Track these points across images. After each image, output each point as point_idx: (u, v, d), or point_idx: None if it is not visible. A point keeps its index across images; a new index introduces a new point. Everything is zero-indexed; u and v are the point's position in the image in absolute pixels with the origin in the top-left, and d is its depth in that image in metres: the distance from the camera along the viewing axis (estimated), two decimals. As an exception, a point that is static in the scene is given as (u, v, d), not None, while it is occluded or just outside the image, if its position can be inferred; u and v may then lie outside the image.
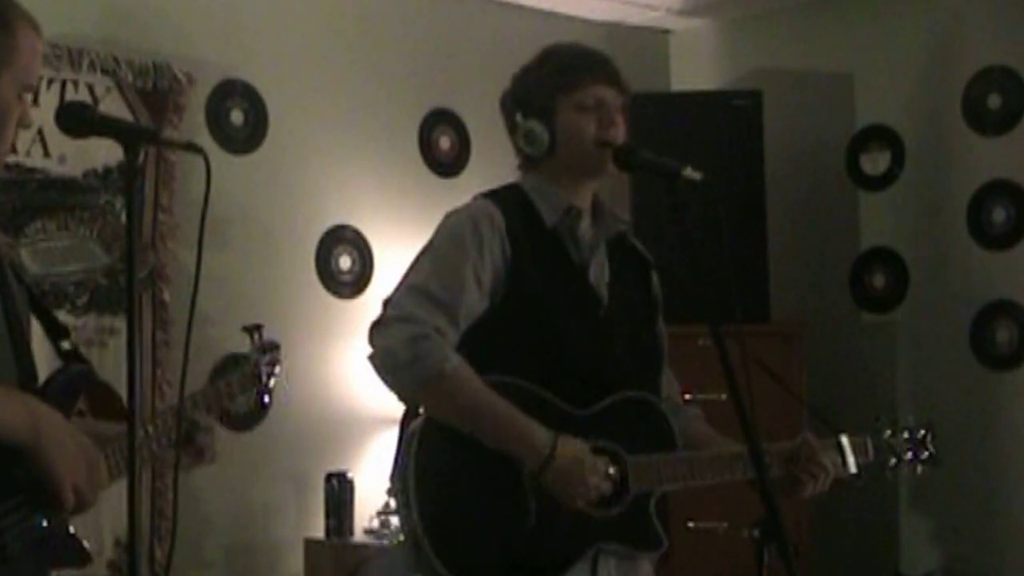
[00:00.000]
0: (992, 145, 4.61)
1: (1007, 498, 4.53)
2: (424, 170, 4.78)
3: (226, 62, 4.32)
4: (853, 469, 2.68)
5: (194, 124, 4.21)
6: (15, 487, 1.95)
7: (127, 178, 1.94)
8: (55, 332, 2.20)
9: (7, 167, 3.76)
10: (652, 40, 5.43)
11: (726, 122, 4.62)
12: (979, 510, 4.58)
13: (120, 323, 3.94)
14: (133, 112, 4.05)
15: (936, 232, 4.75)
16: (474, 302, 2.43)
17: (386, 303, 2.46)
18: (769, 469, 2.36)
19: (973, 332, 4.62)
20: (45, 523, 1.98)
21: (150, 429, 2.15)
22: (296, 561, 4.25)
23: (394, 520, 4.13)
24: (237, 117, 4.35)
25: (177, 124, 4.12)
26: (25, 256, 3.81)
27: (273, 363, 2.51)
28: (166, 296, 4.05)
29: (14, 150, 3.73)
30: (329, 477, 4.22)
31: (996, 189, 4.58)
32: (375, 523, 4.22)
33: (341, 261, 4.55)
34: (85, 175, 3.95)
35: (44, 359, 2.18)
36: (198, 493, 4.05)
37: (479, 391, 2.37)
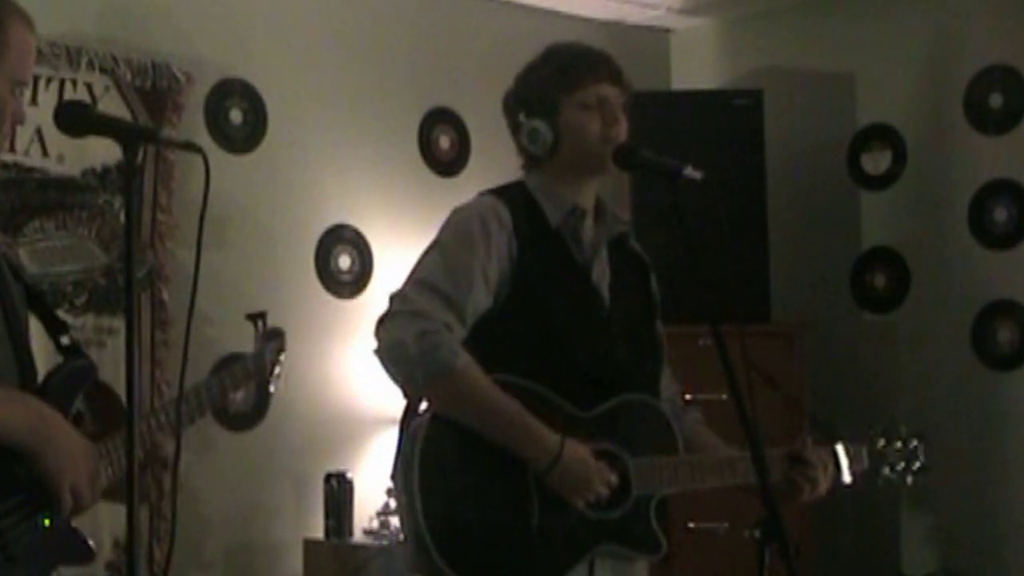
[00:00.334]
0: (993, 144, 4.61)
1: (1008, 498, 4.52)
2: (424, 169, 4.78)
3: (225, 61, 4.32)
4: (848, 479, 2.70)
5: (193, 123, 4.20)
6: (15, 487, 1.95)
7: (126, 177, 1.93)
8: (54, 328, 2.19)
9: (5, 166, 3.77)
10: (653, 39, 5.42)
11: (727, 121, 4.61)
12: (980, 511, 4.57)
13: (119, 323, 3.93)
14: (132, 111, 4.04)
15: (937, 232, 4.74)
16: (481, 300, 2.43)
17: (393, 297, 2.45)
18: (769, 473, 2.35)
19: (974, 332, 4.61)
20: (46, 522, 1.98)
21: (163, 418, 2.15)
22: (295, 562, 4.24)
23: (394, 520, 4.13)
24: (236, 116, 4.34)
25: (176, 123, 4.12)
26: (23, 256, 3.81)
27: (279, 351, 2.51)
28: (165, 296, 4.05)
29: (12, 149, 3.76)
30: (328, 477, 4.21)
31: (997, 188, 4.58)
32: (374, 523, 4.21)
33: (340, 261, 4.54)
34: (83, 174, 3.94)
35: (44, 357, 2.18)
36: (197, 493, 4.04)
37: (488, 389, 2.37)
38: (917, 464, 2.81)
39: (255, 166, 4.36)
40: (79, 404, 2.14)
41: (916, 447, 2.82)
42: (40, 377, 2.11)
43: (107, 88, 4.00)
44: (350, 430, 4.41)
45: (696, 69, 5.35)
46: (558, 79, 2.52)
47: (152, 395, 3.97)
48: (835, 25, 5.01)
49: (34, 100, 3.78)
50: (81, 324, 3.87)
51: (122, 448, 2.04)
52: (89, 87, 3.96)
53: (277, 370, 2.52)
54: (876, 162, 4.91)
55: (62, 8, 3.90)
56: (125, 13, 4.11)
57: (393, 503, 4.17)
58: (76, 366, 2.15)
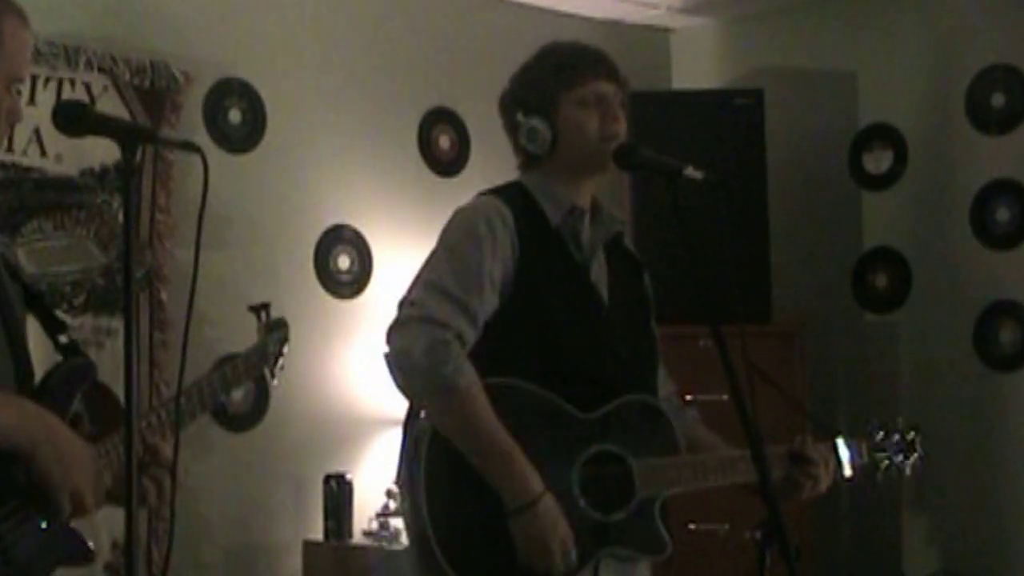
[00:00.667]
0: (996, 144, 4.60)
1: (1010, 499, 4.51)
2: (424, 169, 4.77)
3: (224, 61, 4.31)
4: (848, 472, 2.71)
5: (192, 123, 4.19)
6: (14, 490, 1.94)
7: (124, 177, 1.92)
8: (53, 327, 2.19)
9: (3, 166, 3.76)
10: (653, 38, 5.41)
11: (727, 121, 4.60)
12: (982, 511, 4.56)
13: (117, 323, 3.92)
14: (130, 111, 4.03)
15: (939, 231, 4.73)
16: (489, 301, 2.43)
17: (403, 303, 2.45)
18: (770, 473, 2.35)
19: (976, 332, 4.60)
20: (44, 525, 1.97)
21: (155, 419, 2.14)
22: (294, 563, 4.24)
23: (393, 522, 4.12)
24: (235, 116, 4.33)
25: (174, 123, 4.10)
26: (21, 256, 3.80)
27: (282, 341, 2.51)
28: (164, 296, 4.04)
29: (10, 149, 3.75)
30: (328, 479, 4.20)
31: (999, 188, 4.57)
32: (374, 525, 4.20)
33: (340, 261, 4.53)
34: (82, 174, 3.93)
35: (42, 356, 2.17)
36: (196, 494, 4.03)
37: (484, 417, 2.35)
38: (915, 455, 2.82)
39: (254, 166, 4.35)
40: (77, 405, 2.13)
41: (914, 439, 2.83)
42: (38, 377, 2.10)
43: (105, 88, 3.99)
44: (349, 431, 4.40)
45: (696, 68, 5.35)
46: (556, 77, 2.52)
47: (151, 396, 3.96)
48: (836, 24, 5.00)
49: (32, 100, 3.77)
50: (79, 324, 3.86)
51: (120, 449, 2.03)
52: (87, 87, 3.95)
53: (280, 362, 2.51)
54: (877, 162, 4.90)
55: (60, 7, 3.89)
56: (124, 13, 4.10)
57: (393, 504, 4.17)
58: (75, 365, 2.14)
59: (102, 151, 3.90)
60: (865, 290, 4.93)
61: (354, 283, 4.55)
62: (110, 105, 3.95)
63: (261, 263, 4.32)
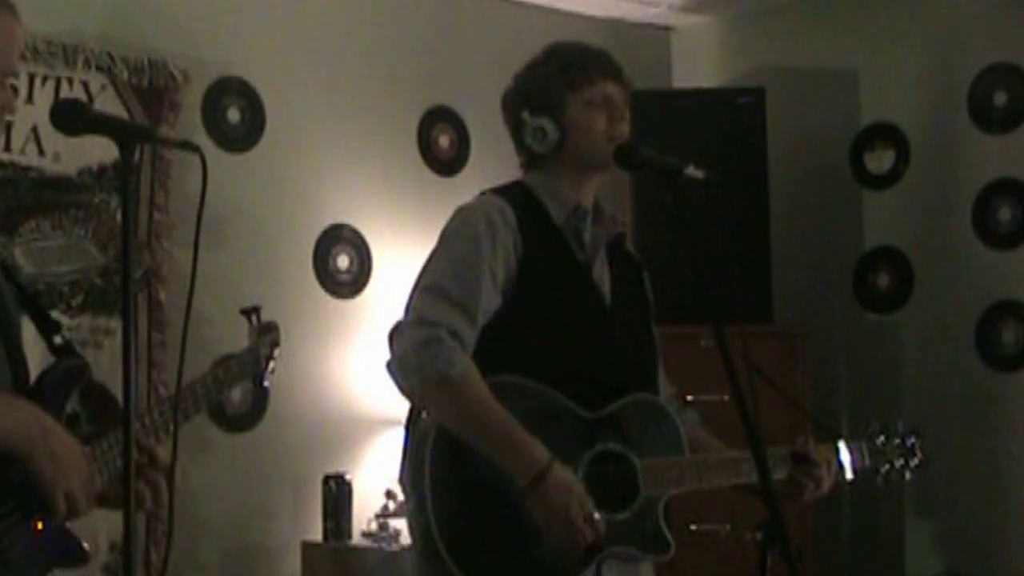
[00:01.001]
0: (998, 143, 4.59)
1: (1013, 500, 4.50)
2: (423, 169, 4.76)
3: (222, 59, 4.30)
4: (850, 475, 2.70)
5: (190, 122, 4.18)
6: (9, 491, 1.94)
7: (122, 177, 1.93)
8: (47, 328, 2.18)
9: (1, 165, 3.76)
10: (654, 37, 5.40)
11: (729, 120, 4.59)
12: (984, 512, 4.55)
13: (115, 324, 3.91)
14: (128, 110, 4.02)
15: (941, 231, 4.72)
16: (490, 300, 2.42)
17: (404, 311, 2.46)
18: (772, 472, 2.35)
19: (978, 332, 4.59)
20: (39, 527, 1.96)
21: (148, 421, 2.14)
22: (293, 564, 4.23)
23: (393, 523, 4.11)
24: (234, 115, 4.32)
25: (173, 122, 4.10)
26: (19, 255, 3.79)
27: (273, 344, 2.51)
28: (162, 296, 4.03)
29: (8, 148, 3.75)
30: (327, 479, 4.18)
31: (1002, 187, 4.56)
32: (373, 526, 4.19)
33: (339, 261, 4.52)
34: (80, 173, 3.92)
35: (38, 357, 2.16)
36: (194, 495, 4.03)
37: (481, 401, 2.35)
38: (915, 460, 2.82)
39: (253, 165, 4.34)
40: (75, 406, 2.13)
41: (914, 443, 2.83)
42: (33, 377, 2.10)
43: (104, 86, 3.98)
44: (349, 431, 4.39)
45: (697, 67, 5.34)
46: (563, 77, 2.52)
47: (149, 396, 3.95)
48: (838, 22, 4.99)
49: (30, 98, 3.77)
50: (77, 324, 3.86)
51: (115, 450, 2.04)
52: (85, 85, 3.94)
53: (272, 364, 2.51)
54: (879, 161, 4.89)
55: (59, 6, 3.90)
56: (122, 11, 4.10)
57: (392, 505, 4.16)
58: (69, 365, 2.14)
59: (100, 150, 3.89)
60: (866, 290, 4.91)
61: (353, 283, 4.54)
62: (108, 104, 3.94)
63: (260, 263, 4.31)
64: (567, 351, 2.45)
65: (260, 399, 4.21)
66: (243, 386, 2.49)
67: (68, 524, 2.01)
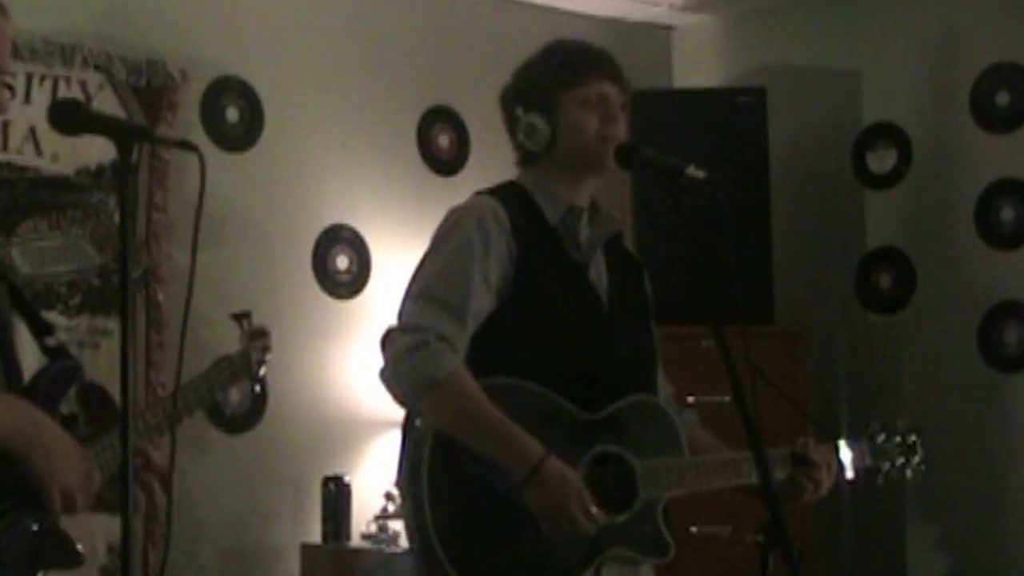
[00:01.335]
0: (1000, 143, 4.57)
1: (1015, 501, 4.49)
2: (423, 168, 4.75)
3: (221, 59, 4.29)
4: (850, 475, 2.70)
5: (188, 121, 4.17)
6: (3, 490, 1.93)
7: (120, 177, 1.98)
8: (39, 329, 2.18)
9: (-2, 165, 3.75)
10: (654, 36, 5.39)
11: (730, 120, 4.58)
12: (987, 514, 4.54)
13: (113, 324, 3.91)
14: (126, 109, 4.01)
15: (943, 231, 4.71)
16: (482, 301, 2.41)
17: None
18: (772, 473, 2.36)
19: (981, 333, 4.57)
20: (35, 527, 1.96)
21: (140, 425, 2.13)
22: (292, 566, 4.22)
23: (392, 524, 4.10)
24: (232, 114, 4.31)
25: (171, 122, 4.09)
26: (16, 256, 3.78)
27: (264, 350, 2.51)
28: (160, 297, 4.02)
29: (5, 147, 3.74)
30: (326, 481, 4.17)
31: (1004, 188, 4.54)
32: (373, 528, 4.18)
33: (338, 261, 4.51)
34: (78, 173, 3.91)
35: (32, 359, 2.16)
36: (192, 497, 4.01)
37: (472, 399, 2.34)
38: (916, 459, 2.82)
39: (251, 165, 4.33)
40: (73, 406, 2.13)
41: (915, 442, 2.82)
42: (27, 379, 2.09)
43: (102, 86, 3.97)
44: (348, 433, 4.38)
45: (698, 67, 5.33)
46: (559, 74, 2.51)
47: (147, 397, 3.95)
48: (839, 22, 4.98)
49: (28, 98, 3.77)
50: (75, 325, 3.86)
51: (111, 451, 2.04)
52: (83, 85, 3.93)
53: (263, 370, 2.51)
54: (881, 161, 4.87)
55: (56, 5, 3.89)
56: (120, 10, 4.09)
57: (392, 507, 4.15)
58: (62, 367, 2.13)
59: (98, 150, 3.88)
60: (868, 290, 4.90)
61: (352, 283, 4.53)
62: (106, 104, 3.93)
63: (259, 263, 4.31)
64: (564, 352, 2.44)
65: (259, 400, 4.20)
66: (241, 387, 2.49)
67: (64, 526, 2.00)
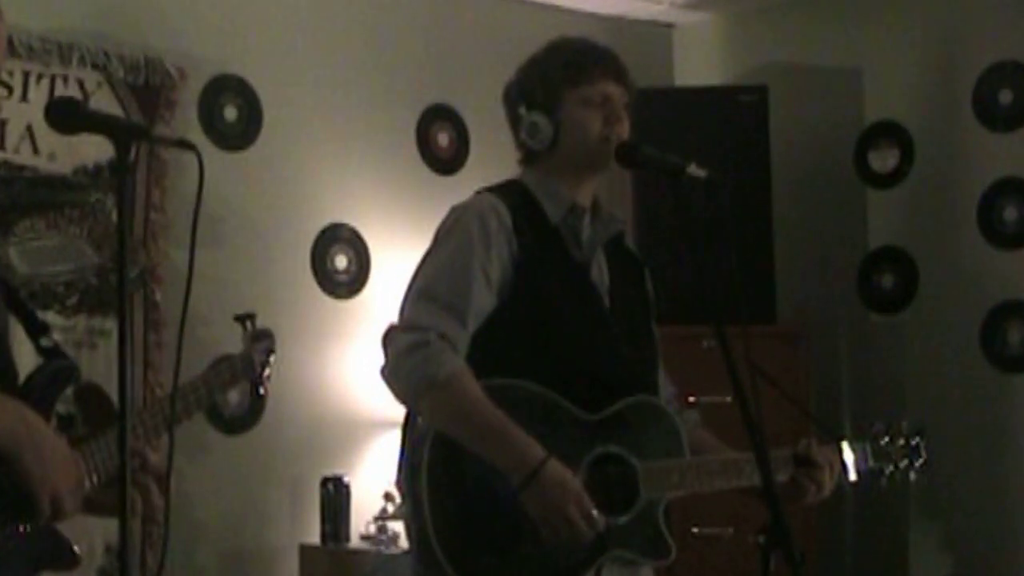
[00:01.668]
0: (1003, 142, 4.56)
1: (1018, 502, 4.48)
2: (422, 167, 4.74)
3: (219, 57, 4.28)
4: (853, 476, 2.69)
5: (186, 120, 4.16)
6: (-1, 490, 1.93)
7: (118, 175, 1.92)
8: (34, 329, 2.17)
9: (-5, 164, 3.74)
10: (655, 34, 5.39)
11: (731, 118, 4.58)
12: (990, 514, 4.53)
13: (111, 324, 3.90)
14: (124, 108, 4.00)
15: (946, 231, 4.70)
16: (483, 300, 2.40)
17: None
18: (775, 474, 2.33)
19: (983, 333, 4.56)
20: (21, 529, 1.95)
21: (139, 426, 2.12)
22: (291, 567, 4.21)
23: (391, 525, 4.10)
24: (230, 113, 4.30)
25: (169, 120, 4.08)
26: (14, 255, 3.78)
27: (268, 352, 2.51)
28: (158, 296, 4.01)
29: (3, 146, 3.73)
30: (325, 481, 4.16)
31: (1007, 187, 4.53)
32: (372, 528, 4.17)
33: (337, 260, 4.50)
34: (75, 172, 3.90)
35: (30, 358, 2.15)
36: (191, 498, 4.01)
37: (472, 400, 2.33)
38: (920, 461, 2.80)
39: (250, 164, 4.32)
40: (71, 407, 2.12)
41: (918, 444, 2.81)
42: (22, 378, 2.08)
43: (99, 84, 3.97)
44: (347, 433, 4.37)
45: (699, 65, 5.32)
46: (562, 73, 2.50)
47: (145, 398, 3.94)
48: (842, 20, 4.97)
49: (25, 97, 3.76)
50: (72, 325, 3.85)
51: (107, 452, 2.04)
52: (81, 83, 3.93)
53: (267, 372, 2.51)
54: (883, 160, 4.86)
55: (54, 4, 3.89)
56: (117, 8, 4.09)
57: (391, 508, 4.14)
58: (58, 367, 2.12)
59: (96, 149, 3.87)
60: (871, 290, 4.89)
61: (352, 283, 4.52)
62: (104, 102, 3.93)
63: (257, 262, 4.30)
64: (564, 352, 2.43)
65: (257, 401, 4.19)
66: (240, 388, 2.49)
67: (60, 526, 2.00)
